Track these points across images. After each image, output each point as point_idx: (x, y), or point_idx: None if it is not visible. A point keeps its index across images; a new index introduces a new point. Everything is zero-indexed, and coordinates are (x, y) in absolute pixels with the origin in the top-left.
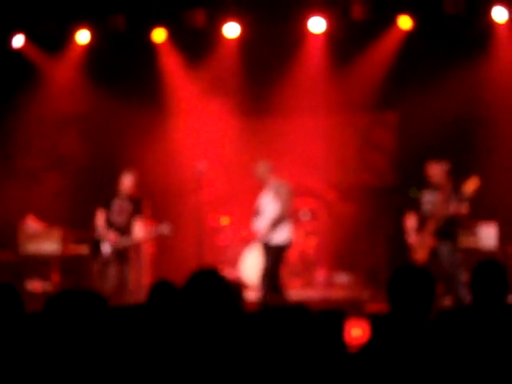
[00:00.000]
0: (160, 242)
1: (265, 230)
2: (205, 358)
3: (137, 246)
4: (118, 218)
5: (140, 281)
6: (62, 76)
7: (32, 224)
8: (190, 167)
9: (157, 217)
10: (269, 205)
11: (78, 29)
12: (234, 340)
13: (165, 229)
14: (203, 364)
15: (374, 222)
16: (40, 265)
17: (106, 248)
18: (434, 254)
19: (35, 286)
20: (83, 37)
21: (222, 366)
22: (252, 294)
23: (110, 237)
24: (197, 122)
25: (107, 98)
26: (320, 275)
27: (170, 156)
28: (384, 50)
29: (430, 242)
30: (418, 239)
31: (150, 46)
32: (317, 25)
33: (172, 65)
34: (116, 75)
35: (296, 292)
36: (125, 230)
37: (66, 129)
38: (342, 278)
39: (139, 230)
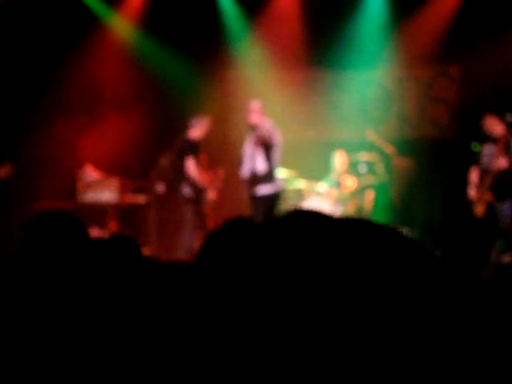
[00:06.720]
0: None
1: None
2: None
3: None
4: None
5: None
6: (122, 25)
7: (90, 173)
8: (247, 119)
9: (214, 168)
10: (255, 150)
11: None
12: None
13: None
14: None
15: (432, 177)
16: (98, 213)
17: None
18: (491, 208)
19: (93, 233)
20: None
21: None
22: None
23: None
24: (254, 74)
25: (166, 48)
26: None
27: (228, 109)
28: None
29: (487, 197)
30: (476, 193)
31: None
32: None
33: (232, 15)
34: (175, 27)
35: None
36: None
37: (127, 77)
38: None
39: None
